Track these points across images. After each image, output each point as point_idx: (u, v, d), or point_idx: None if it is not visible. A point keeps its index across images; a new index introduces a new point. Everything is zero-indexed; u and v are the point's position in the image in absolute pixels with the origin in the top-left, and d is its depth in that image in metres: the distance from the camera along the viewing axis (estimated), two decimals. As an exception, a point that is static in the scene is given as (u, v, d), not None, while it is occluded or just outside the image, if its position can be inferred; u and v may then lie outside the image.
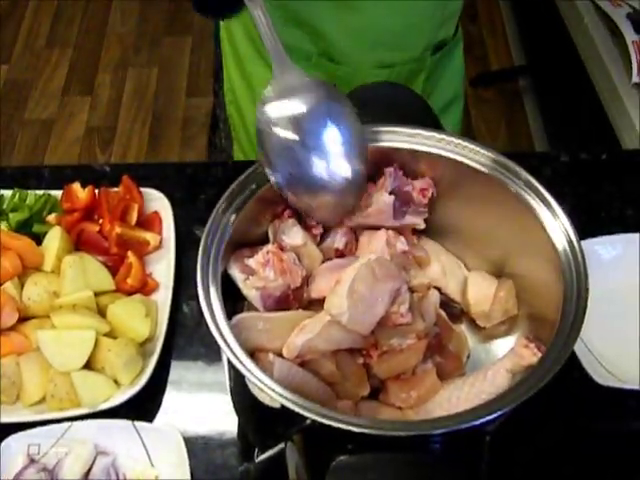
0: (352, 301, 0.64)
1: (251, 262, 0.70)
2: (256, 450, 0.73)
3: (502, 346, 0.75)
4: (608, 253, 0.93)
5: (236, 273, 0.70)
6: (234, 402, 0.75)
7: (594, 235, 0.93)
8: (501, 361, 0.68)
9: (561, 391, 0.76)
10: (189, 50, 2.67)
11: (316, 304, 0.70)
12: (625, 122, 1.66)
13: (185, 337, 0.90)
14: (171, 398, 0.86)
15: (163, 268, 0.93)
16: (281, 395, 0.58)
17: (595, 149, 1.12)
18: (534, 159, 1.14)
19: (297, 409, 0.57)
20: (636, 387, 0.82)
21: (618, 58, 1.73)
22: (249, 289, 0.69)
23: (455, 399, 0.66)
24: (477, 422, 0.56)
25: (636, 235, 0.94)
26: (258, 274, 0.69)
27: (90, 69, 2.63)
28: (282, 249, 0.71)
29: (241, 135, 1.22)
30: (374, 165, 0.75)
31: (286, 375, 0.65)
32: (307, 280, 0.72)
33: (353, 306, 0.64)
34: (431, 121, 0.81)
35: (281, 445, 0.63)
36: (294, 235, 0.73)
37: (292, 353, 0.65)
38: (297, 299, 0.71)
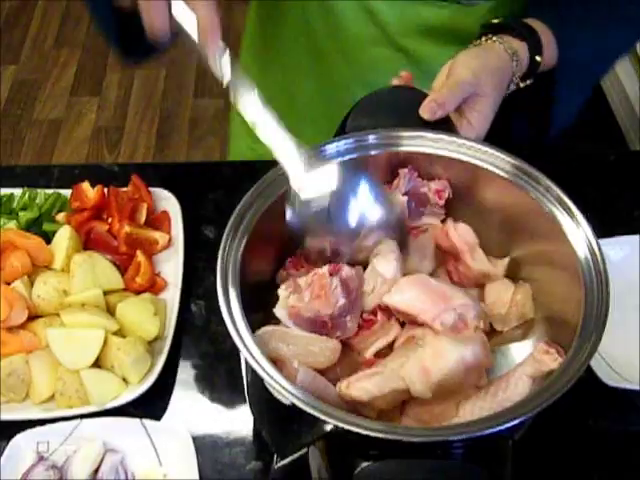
0: (436, 390, 0.63)
1: (301, 282, 0.68)
2: (275, 457, 0.73)
3: (519, 349, 0.74)
4: (616, 254, 0.92)
5: (282, 286, 0.68)
6: (250, 403, 0.75)
7: (602, 236, 0.92)
8: (521, 367, 0.66)
9: (568, 392, 0.76)
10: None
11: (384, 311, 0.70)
12: (633, 123, 1.66)
13: (193, 336, 0.90)
14: (179, 396, 0.86)
15: (172, 267, 0.93)
16: (302, 400, 0.56)
17: (603, 150, 1.12)
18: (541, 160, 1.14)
19: (320, 415, 0.56)
20: (644, 388, 0.82)
21: (626, 58, 1.73)
22: (283, 307, 0.68)
23: (478, 409, 0.64)
24: (500, 428, 0.56)
25: (644, 236, 0.94)
26: (301, 295, 0.67)
27: (98, 69, 2.63)
28: (331, 273, 0.68)
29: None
30: (390, 169, 0.75)
31: (309, 384, 0.63)
32: (347, 308, 0.69)
33: (435, 392, 0.63)
34: (444, 123, 0.80)
35: (303, 450, 0.62)
36: (387, 265, 0.70)
37: (346, 397, 0.63)
38: (337, 327, 0.68)
